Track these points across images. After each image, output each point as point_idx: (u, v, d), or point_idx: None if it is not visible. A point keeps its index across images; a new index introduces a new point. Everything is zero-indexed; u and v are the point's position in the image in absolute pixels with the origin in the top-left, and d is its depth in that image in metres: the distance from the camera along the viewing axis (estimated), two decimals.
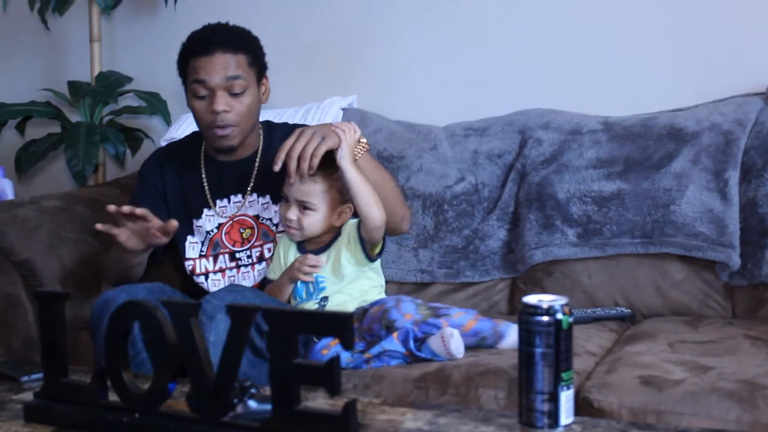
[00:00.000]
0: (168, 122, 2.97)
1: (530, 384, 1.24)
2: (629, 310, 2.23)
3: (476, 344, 1.92)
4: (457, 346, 1.85)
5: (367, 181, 1.97)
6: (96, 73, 3.04)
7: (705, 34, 2.54)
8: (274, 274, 2.11)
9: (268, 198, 2.17)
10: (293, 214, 2.02)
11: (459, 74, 2.77)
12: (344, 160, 1.95)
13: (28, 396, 1.47)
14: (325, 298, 2.04)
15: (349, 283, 2.04)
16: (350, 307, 2.00)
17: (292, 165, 1.93)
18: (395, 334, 1.88)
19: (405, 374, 1.82)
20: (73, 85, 3.07)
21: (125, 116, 3.11)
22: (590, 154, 2.38)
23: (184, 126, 2.68)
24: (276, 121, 2.35)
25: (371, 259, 2.05)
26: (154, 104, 2.97)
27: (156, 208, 2.09)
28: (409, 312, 1.90)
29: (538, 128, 2.48)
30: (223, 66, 2.04)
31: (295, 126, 2.27)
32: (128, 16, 3.17)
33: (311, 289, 2.05)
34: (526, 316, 1.24)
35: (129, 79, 3.08)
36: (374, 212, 1.95)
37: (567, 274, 2.32)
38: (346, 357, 1.87)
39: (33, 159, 2.98)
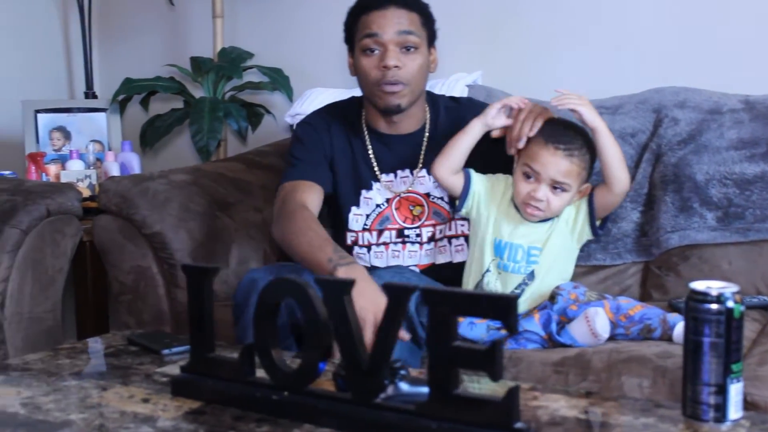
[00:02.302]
0: (290, 98, 2.96)
1: (697, 375, 1.18)
2: None
3: (642, 336, 1.82)
4: (602, 324, 1.77)
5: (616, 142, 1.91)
6: (218, 48, 3.05)
7: None
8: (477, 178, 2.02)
9: None
10: (543, 193, 1.90)
11: (588, 50, 2.68)
12: (597, 119, 1.90)
13: (171, 369, 1.48)
14: (532, 275, 1.95)
15: (560, 265, 1.98)
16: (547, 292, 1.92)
17: (524, 128, 1.90)
18: (537, 316, 1.83)
19: (543, 357, 1.77)
20: (195, 61, 3.09)
21: (247, 92, 3.12)
22: (731, 134, 2.27)
23: (308, 102, 2.67)
24: None
25: (596, 233, 1.98)
26: (277, 80, 2.97)
27: (325, 172, 2.05)
28: (575, 293, 1.84)
29: (674, 107, 2.38)
30: (397, 20, 1.98)
31: (470, 100, 2.23)
32: None
33: (518, 257, 1.95)
34: (694, 303, 1.18)
35: (250, 55, 3.09)
36: (624, 174, 1.92)
37: (705, 259, 2.23)
38: (480, 332, 1.82)
39: (158, 134, 3.01)
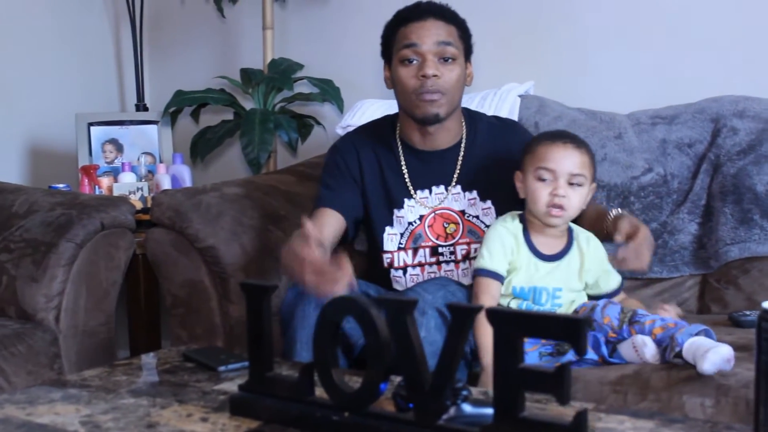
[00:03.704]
0: (341, 109, 2.96)
1: None
2: None
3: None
4: (652, 354, 1.74)
5: None
6: (268, 60, 3.06)
7: None
8: (499, 263, 1.90)
9: (475, 194, 2.09)
10: (564, 190, 1.87)
11: (643, 59, 2.64)
12: None
13: (228, 386, 1.47)
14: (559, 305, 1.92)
15: (591, 284, 1.95)
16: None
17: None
18: None
19: (600, 376, 1.73)
20: (246, 73, 3.10)
21: (296, 103, 3.12)
22: None
23: (360, 113, 2.65)
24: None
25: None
26: (328, 91, 2.96)
27: (351, 198, 2.06)
28: (609, 315, 1.79)
29: (732, 116, 2.33)
30: (435, 31, 2.00)
31: (515, 125, 2.21)
32: (300, 4, 3.18)
33: (543, 300, 1.90)
34: (767, 324, 1.14)
35: (300, 66, 3.09)
36: None
37: (766, 272, 2.18)
38: (532, 359, 1.79)
39: (209, 146, 3.02)
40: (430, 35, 2.00)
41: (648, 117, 2.45)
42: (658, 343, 1.74)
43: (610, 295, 1.93)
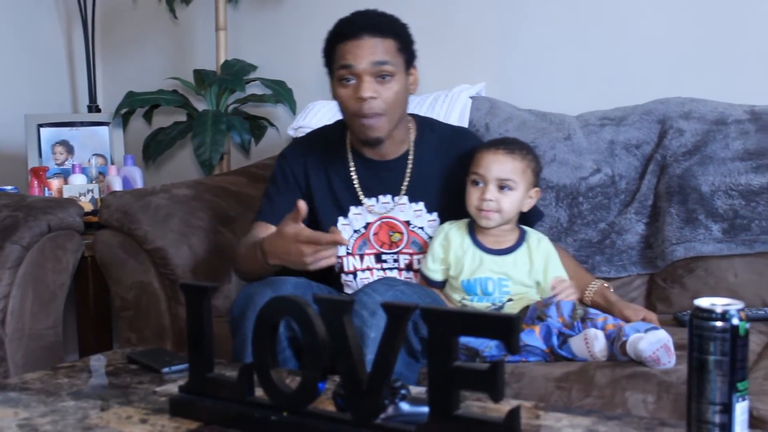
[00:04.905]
0: (294, 110, 2.95)
1: (702, 393, 1.15)
2: None
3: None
4: (600, 348, 1.77)
5: None
6: (221, 61, 3.05)
7: None
8: (433, 271, 2.01)
9: (421, 205, 2.08)
10: (492, 194, 1.94)
11: (592, 61, 2.66)
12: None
13: (170, 388, 1.46)
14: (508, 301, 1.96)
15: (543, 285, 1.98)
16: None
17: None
18: (537, 330, 1.82)
19: (546, 372, 1.75)
20: (199, 74, 3.09)
21: (249, 104, 3.12)
22: (737, 145, 2.26)
23: (311, 114, 2.66)
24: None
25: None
26: (280, 92, 2.96)
27: (292, 208, 2.04)
28: (563, 315, 1.82)
29: (679, 118, 2.36)
30: (370, 50, 1.94)
31: (464, 132, 2.22)
32: (254, 5, 3.17)
33: (490, 289, 1.96)
34: (698, 321, 1.15)
35: (254, 68, 3.08)
36: None
37: (710, 271, 2.21)
38: (482, 346, 1.80)
39: (161, 147, 3.00)
40: (365, 55, 1.94)
41: (597, 118, 2.47)
42: (608, 337, 1.78)
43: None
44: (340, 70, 1.97)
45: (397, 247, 2.08)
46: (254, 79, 3.04)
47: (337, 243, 1.75)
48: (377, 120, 1.97)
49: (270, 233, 1.92)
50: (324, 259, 1.77)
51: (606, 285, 2.03)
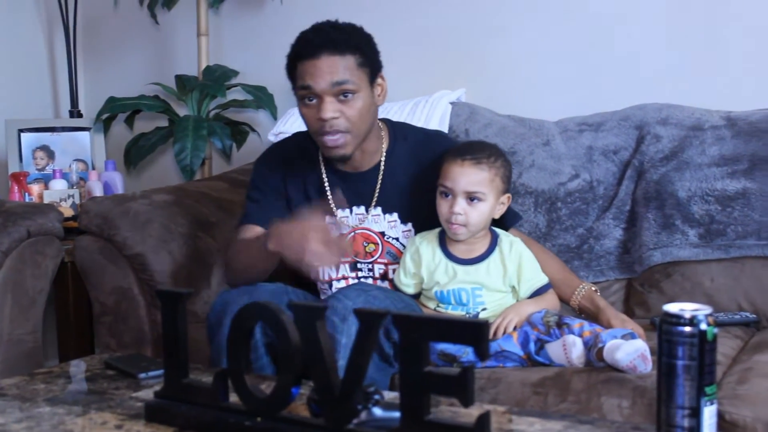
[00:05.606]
0: (275, 116, 2.96)
1: (671, 397, 1.17)
2: (754, 316, 2.12)
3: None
4: (578, 355, 1.78)
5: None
6: (203, 67, 3.05)
7: None
8: (406, 285, 2.00)
9: (395, 216, 2.06)
10: (460, 207, 1.90)
11: (572, 67, 2.68)
12: (529, 309, 1.91)
13: (146, 394, 1.47)
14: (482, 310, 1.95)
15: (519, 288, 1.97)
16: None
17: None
18: (515, 335, 1.83)
19: (523, 378, 1.76)
20: (180, 79, 3.09)
21: (231, 110, 3.12)
22: (713, 151, 2.28)
23: (292, 120, 2.66)
24: (388, 117, 2.26)
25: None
26: (261, 98, 2.97)
27: (277, 211, 2.01)
28: (537, 326, 1.83)
29: (656, 123, 2.38)
30: (329, 70, 1.88)
31: (439, 135, 2.18)
32: (235, 11, 3.18)
33: (464, 299, 1.94)
34: (667, 326, 1.17)
35: (235, 73, 3.09)
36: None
37: (687, 276, 2.23)
38: (459, 352, 1.81)
39: (142, 152, 3.00)
40: (324, 75, 1.89)
41: (575, 124, 2.49)
42: (585, 344, 1.79)
43: (538, 292, 1.96)
44: (301, 90, 1.93)
45: (372, 257, 2.07)
46: (235, 85, 3.05)
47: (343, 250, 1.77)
48: (341, 138, 1.93)
49: (297, 219, 1.84)
50: (323, 260, 1.75)
51: (594, 288, 2.00)
